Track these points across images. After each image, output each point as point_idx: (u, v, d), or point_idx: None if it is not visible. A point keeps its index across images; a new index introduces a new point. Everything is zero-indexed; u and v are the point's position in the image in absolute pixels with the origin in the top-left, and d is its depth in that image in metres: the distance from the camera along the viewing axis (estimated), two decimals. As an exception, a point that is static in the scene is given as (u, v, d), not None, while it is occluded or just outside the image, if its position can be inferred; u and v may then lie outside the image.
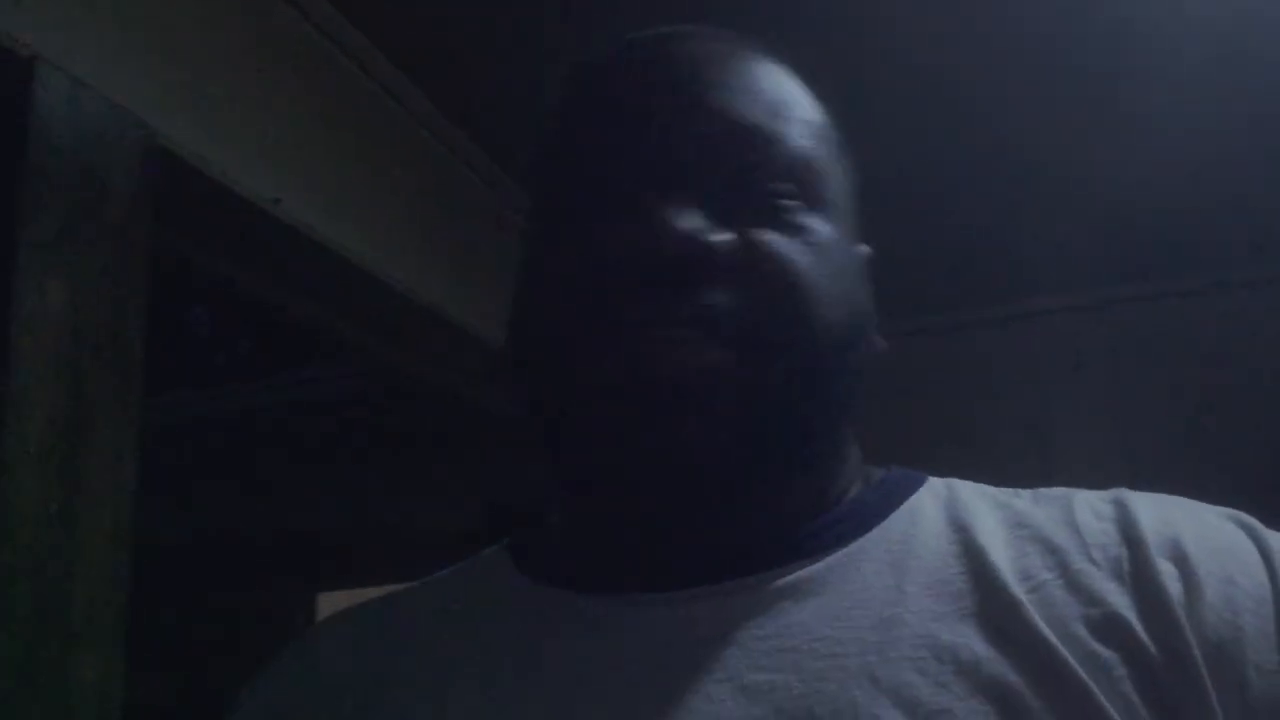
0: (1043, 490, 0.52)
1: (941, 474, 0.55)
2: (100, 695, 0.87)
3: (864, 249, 0.56)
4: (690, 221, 0.45)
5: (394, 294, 1.51)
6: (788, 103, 0.52)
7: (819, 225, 0.49)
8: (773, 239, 0.47)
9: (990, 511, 0.50)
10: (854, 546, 0.48)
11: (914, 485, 0.53)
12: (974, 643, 0.43)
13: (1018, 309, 2.31)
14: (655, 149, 0.48)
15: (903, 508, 0.51)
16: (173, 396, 2.08)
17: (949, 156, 1.79)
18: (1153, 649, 0.42)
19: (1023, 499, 0.51)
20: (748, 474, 0.47)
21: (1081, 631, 0.42)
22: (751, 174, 0.49)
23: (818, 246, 0.49)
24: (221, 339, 1.90)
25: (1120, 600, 0.43)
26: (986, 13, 1.45)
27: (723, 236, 0.46)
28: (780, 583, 0.47)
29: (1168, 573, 0.44)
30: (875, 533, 0.49)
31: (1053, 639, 0.42)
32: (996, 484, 0.54)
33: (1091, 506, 0.48)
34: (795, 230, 0.48)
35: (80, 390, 0.94)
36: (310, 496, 2.35)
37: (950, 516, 0.50)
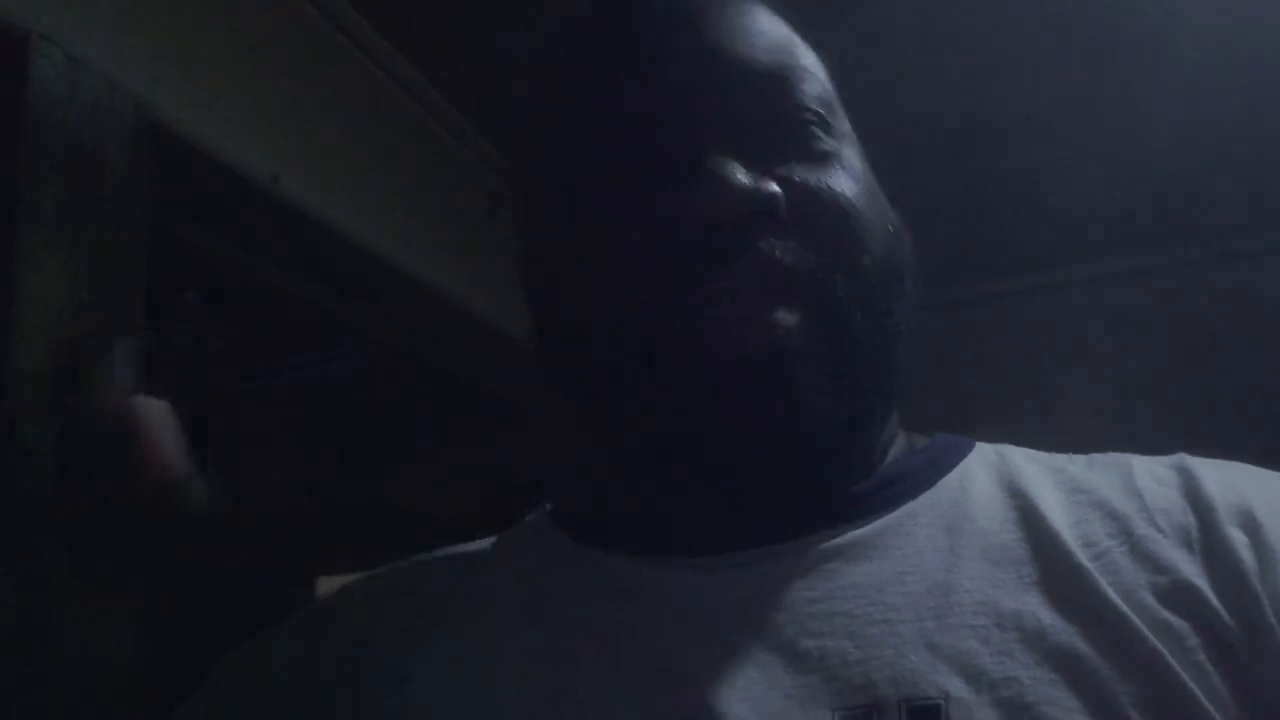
0: (1097, 455, 0.51)
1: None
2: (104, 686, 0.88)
3: None
4: (744, 177, 0.45)
5: (393, 272, 1.50)
6: (793, 40, 0.52)
7: (848, 153, 0.50)
8: (819, 178, 0.47)
9: (1045, 477, 0.49)
10: (903, 510, 0.47)
11: (963, 450, 0.52)
12: (1039, 610, 0.41)
13: (1017, 284, 2.31)
14: (686, 103, 0.47)
15: (953, 473, 0.49)
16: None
17: (946, 130, 1.79)
18: (1227, 618, 0.40)
19: (1077, 464, 0.50)
20: (831, 420, 0.45)
21: (1150, 600, 0.41)
22: (784, 113, 0.48)
23: (853, 175, 0.49)
24: (220, 322, 1.89)
25: (1190, 569, 0.42)
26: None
27: (774, 187, 0.45)
28: (828, 545, 0.46)
29: (1239, 541, 0.43)
30: (925, 497, 0.48)
31: (1122, 607, 0.41)
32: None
33: (1152, 472, 0.47)
34: (833, 164, 0.48)
35: (83, 371, 0.94)
36: (308, 478, 2.35)
37: (1004, 481, 0.48)
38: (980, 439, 0.54)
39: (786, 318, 0.44)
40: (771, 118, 0.48)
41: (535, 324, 0.52)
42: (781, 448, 0.45)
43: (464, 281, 1.63)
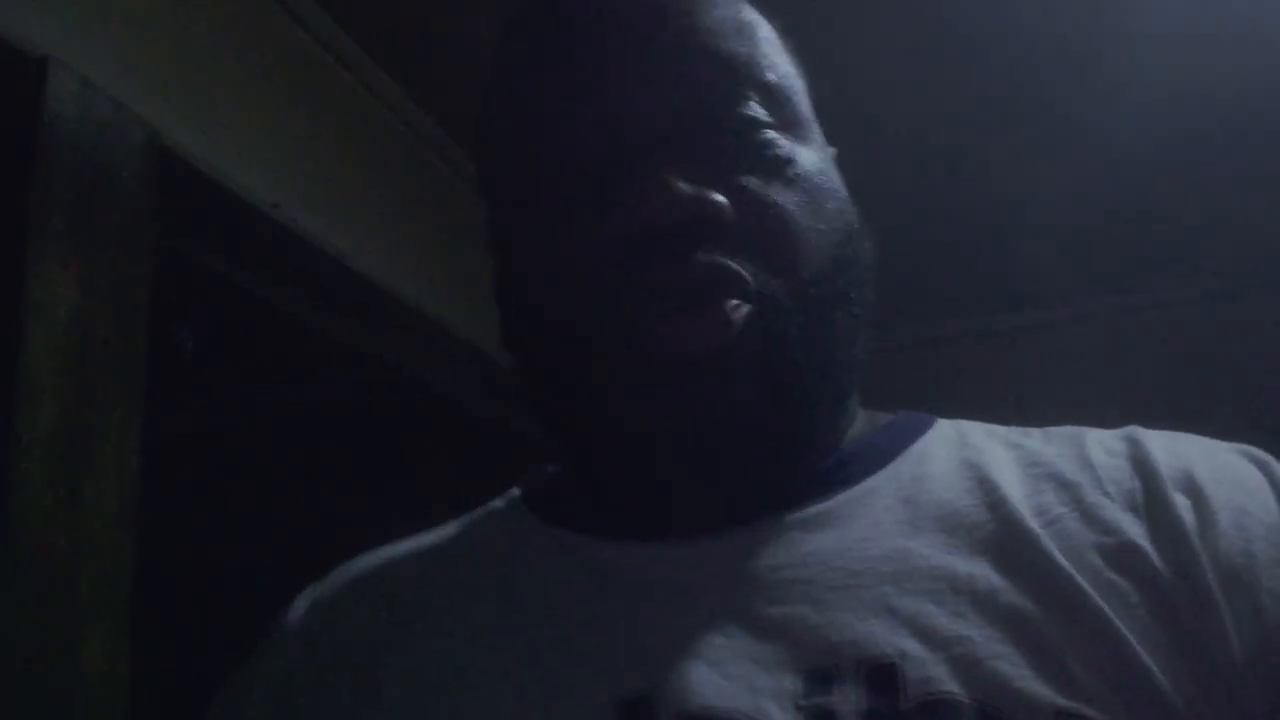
0: (1053, 429, 0.52)
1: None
2: (107, 677, 0.89)
3: (830, 150, 0.55)
4: (685, 185, 0.44)
5: (391, 299, 1.53)
6: (750, 22, 0.51)
7: (799, 150, 0.49)
8: (759, 183, 0.47)
9: (1003, 451, 0.50)
10: (864, 485, 0.49)
11: (923, 427, 0.53)
12: (990, 574, 0.43)
13: (1002, 323, 2.33)
14: (628, 108, 0.47)
15: (913, 448, 0.51)
16: (170, 405, 2.08)
17: (929, 169, 1.82)
18: (1168, 576, 0.42)
19: (1034, 438, 0.52)
20: (768, 425, 0.46)
21: (1097, 560, 0.43)
22: (728, 107, 0.48)
23: (803, 175, 0.49)
24: (220, 347, 1.91)
25: (1135, 530, 0.44)
26: (961, 25, 1.49)
27: (714, 195, 0.45)
28: (790, 518, 0.47)
29: (1181, 504, 0.44)
30: (885, 471, 0.49)
31: (1069, 568, 0.42)
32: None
33: (1103, 444, 0.49)
34: (781, 164, 0.48)
35: (88, 378, 0.96)
36: (304, 504, 2.35)
37: (962, 456, 0.50)
38: None
39: (738, 318, 0.44)
40: (719, 121, 0.47)
41: (501, 328, 0.54)
42: (720, 444, 0.46)
43: (461, 308, 1.66)
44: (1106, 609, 0.41)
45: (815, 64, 0.55)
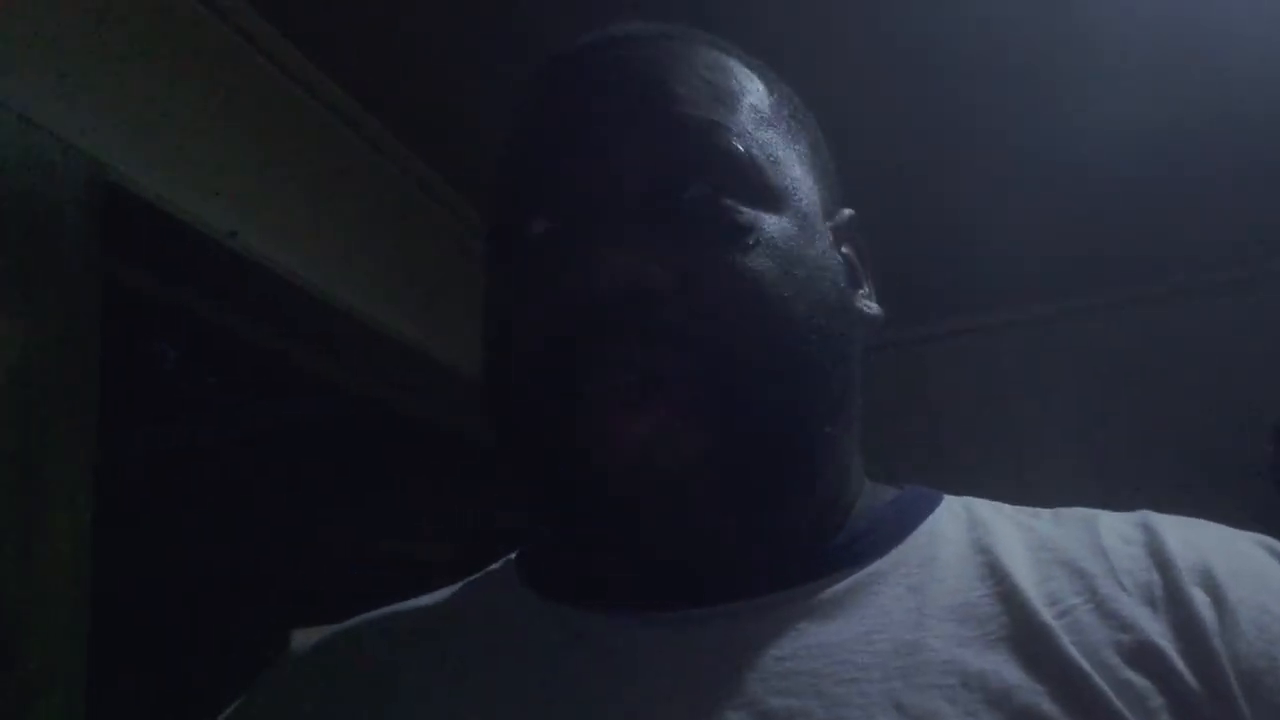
0: (1064, 511, 0.51)
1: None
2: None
3: (844, 213, 0.54)
4: (624, 257, 0.44)
5: (356, 323, 1.50)
6: (727, 92, 0.50)
7: (764, 218, 0.47)
8: (713, 250, 0.46)
9: (1012, 533, 0.48)
10: (872, 568, 0.47)
11: (931, 504, 0.51)
12: (1004, 670, 0.41)
13: (980, 322, 2.33)
14: (588, 164, 0.47)
15: (921, 528, 0.49)
16: (139, 431, 2.05)
17: (907, 175, 1.81)
18: (1189, 678, 0.40)
19: (1043, 520, 0.50)
20: (745, 506, 0.45)
21: (1114, 659, 0.41)
22: (688, 176, 0.47)
23: (765, 242, 0.46)
24: (188, 372, 1.88)
25: (1154, 627, 0.42)
26: (931, 35, 1.48)
27: (653, 266, 0.44)
28: (797, 604, 0.45)
29: (1200, 600, 0.42)
30: (893, 554, 0.48)
31: (1086, 666, 0.41)
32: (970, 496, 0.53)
33: (1117, 530, 0.47)
34: (739, 232, 0.46)
35: (33, 429, 0.93)
36: (281, 530, 2.32)
37: (971, 537, 0.48)
38: (950, 475, 0.53)
39: (676, 428, 0.43)
40: (675, 189, 0.47)
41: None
42: (706, 545, 0.45)
43: (428, 329, 1.63)
44: (1126, 711, 0.39)
45: (796, 86, 0.54)
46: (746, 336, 0.45)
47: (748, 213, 0.47)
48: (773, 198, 0.49)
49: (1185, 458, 2.00)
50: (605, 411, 0.43)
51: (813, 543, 0.48)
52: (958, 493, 0.54)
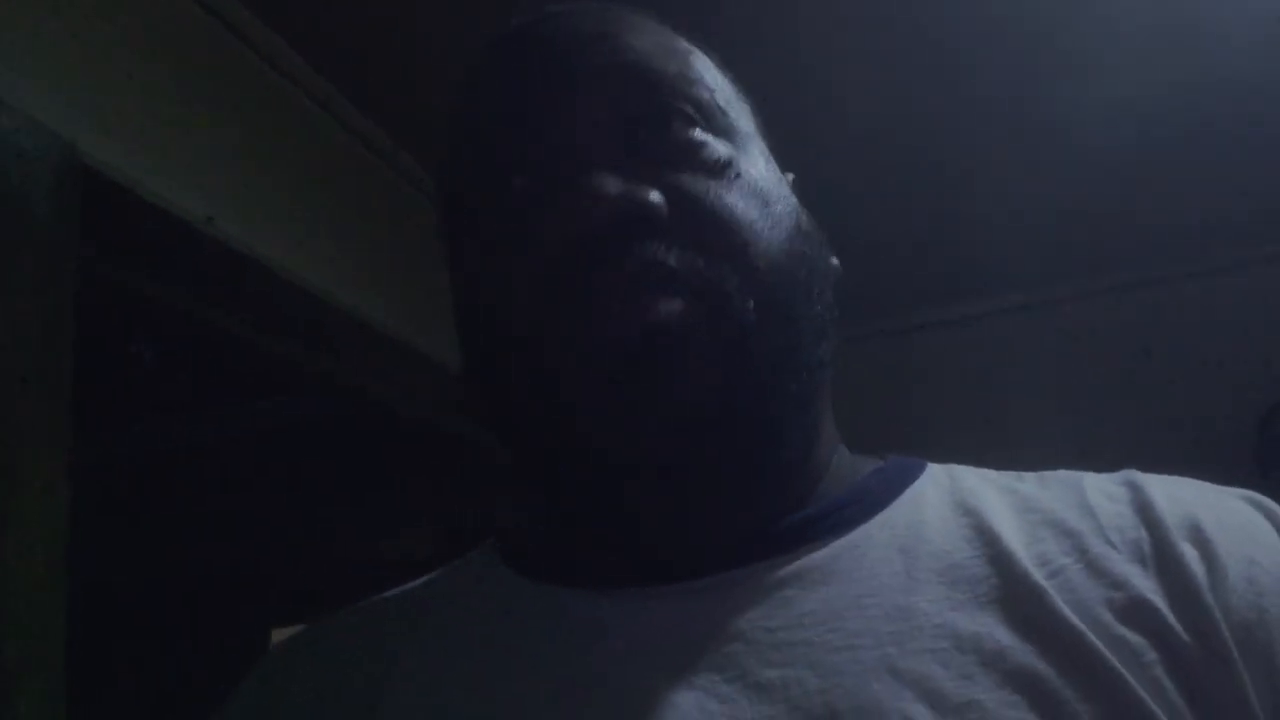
0: (1048, 473, 0.51)
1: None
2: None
3: (788, 175, 0.55)
4: (615, 184, 0.44)
5: (336, 312, 1.47)
6: (678, 52, 0.51)
7: (738, 156, 0.49)
8: (698, 181, 0.46)
9: (997, 496, 0.48)
10: (857, 533, 0.46)
11: (915, 472, 0.51)
12: (997, 631, 0.41)
13: (968, 309, 2.33)
14: (561, 119, 0.47)
15: (905, 494, 0.49)
16: (119, 430, 2.02)
17: (894, 162, 1.81)
18: (1182, 633, 0.40)
19: (1028, 482, 0.50)
20: (734, 423, 0.45)
21: (1107, 617, 0.41)
22: (662, 115, 0.48)
23: (744, 175, 0.48)
24: (169, 369, 1.84)
25: (1145, 584, 0.42)
26: (924, 23, 1.46)
27: (650, 191, 0.45)
28: (783, 571, 0.45)
29: (1190, 555, 0.43)
30: (879, 519, 0.47)
31: (1080, 625, 0.41)
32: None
33: (1103, 489, 0.47)
34: (719, 166, 0.47)
35: (6, 425, 0.90)
36: (262, 528, 2.29)
37: (956, 501, 0.48)
38: (940, 459, 0.53)
39: (667, 305, 0.43)
40: (654, 127, 0.47)
41: (462, 355, 0.53)
42: (685, 439, 0.44)
43: (409, 319, 1.61)
44: (1122, 668, 0.39)
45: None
46: (739, 260, 0.46)
47: (723, 148, 0.48)
48: (740, 139, 0.50)
49: (1174, 443, 2.01)
50: (611, 303, 0.43)
51: (793, 508, 0.48)
52: None
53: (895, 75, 1.59)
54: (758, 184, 0.48)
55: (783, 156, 0.55)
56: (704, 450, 0.44)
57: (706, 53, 0.53)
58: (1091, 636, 0.40)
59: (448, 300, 0.53)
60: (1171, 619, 0.41)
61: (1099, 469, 0.50)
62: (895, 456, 0.53)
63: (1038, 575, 0.43)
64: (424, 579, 0.56)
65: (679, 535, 0.47)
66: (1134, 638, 0.40)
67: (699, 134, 0.48)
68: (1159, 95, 1.65)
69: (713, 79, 0.51)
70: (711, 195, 0.46)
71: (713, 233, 0.45)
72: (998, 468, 0.53)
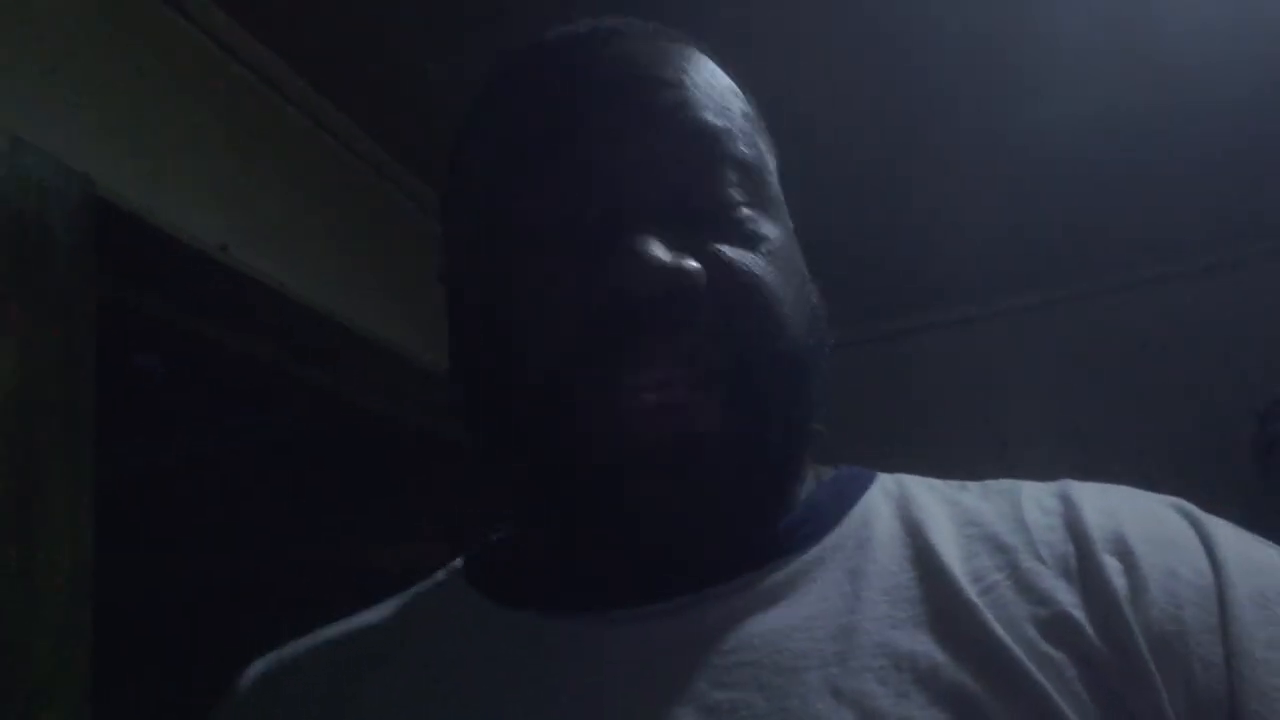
0: (991, 483, 0.52)
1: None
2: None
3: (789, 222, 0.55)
4: (662, 253, 0.44)
5: (347, 333, 1.51)
6: (728, 98, 0.51)
7: (771, 229, 0.49)
8: (739, 256, 0.47)
9: (941, 509, 0.50)
10: (812, 553, 0.48)
11: (865, 483, 0.52)
12: (931, 649, 0.42)
13: (968, 311, 2.35)
14: (608, 168, 0.47)
15: (856, 509, 0.50)
16: (136, 447, 2.05)
17: (891, 170, 1.83)
18: (1101, 647, 0.41)
19: (971, 493, 0.51)
20: (748, 498, 0.46)
21: (1032, 633, 0.42)
22: (707, 182, 0.48)
23: (775, 253, 0.48)
24: (176, 385, 1.88)
25: (1068, 599, 0.43)
26: (886, 31, 1.49)
27: (691, 263, 0.45)
28: (744, 594, 0.46)
29: (1113, 568, 0.43)
30: (831, 537, 0.49)
31: (1007, 641, 0.42)
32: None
33: (1038, 502, 0.48)
34: (754, 240, 0.48)
35: (32, 446, 0.94)
36: (259, 540, 2.31)
37: (902, 515, 0.49)
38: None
39: (706, 408, 0.44)
40: (698, 194, 0.47)
41: (458, 380, 0.52)
42: (687, 527, 0.45)
43: (418, 338, 1.64)
44: (1045, 684, 0.40)
45: (742, 74, 0.55)
46: (763, 338, 0.47)
47: (760, 221, 0.49)
48: (771, 207, 0.51)
49: (1170, 443, 2.02)
50: (642, 394, 0.44)
51: (761, 528, 0.49)
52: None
53: (884, 82, 1.61)
54: (783, 257, 0.49)
55: (783, 164, 0.55)
56: (699, 527, 0.46)
57: (739, 83, 0.53)
58: (1018, 652, 0.41)
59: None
60: (1091, 633, 0.42)
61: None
62: (845, 466, 0.54)
63: (971, 592, 0.44)
64: (384, 606, 0.57)
65: (645, 562, 0.47)
66: (1057, 654, 0.41)
67: (740, 208, 0.48)
68: (1147, 96, 1.67)
69: (754, 129, 0.51)
70: (748, 271, 0.47)
71: (746, 311, 0.46)
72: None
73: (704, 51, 0.53)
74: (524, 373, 0.47)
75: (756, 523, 0.49)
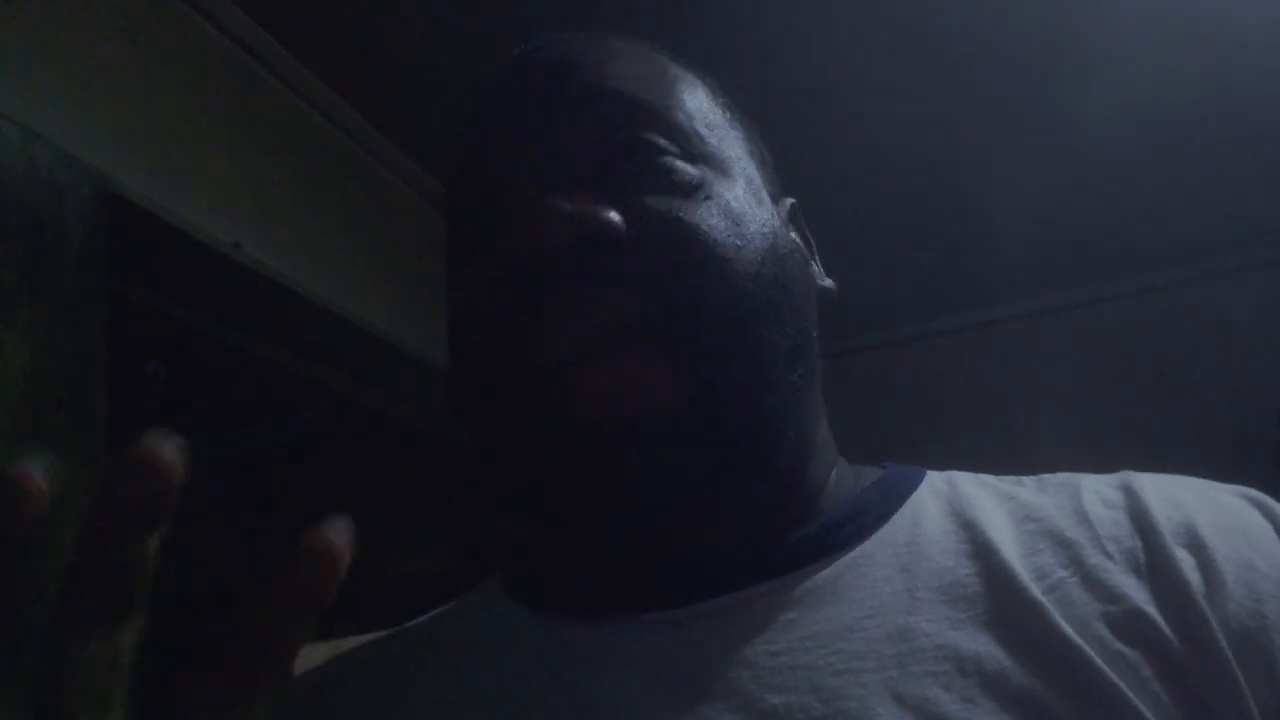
0: (1047, 477, 0.50)
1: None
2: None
3: (788, 201, 0.54)
4: (568, 205, 0.43)
5: (360, 332, 1.50)
6: (665, 74, 0.51)
7: (712, 179, 0.47)
8: (663, 201, 0.45)
9: (996, 505, 0.48)
10: (858, 551, 0.46)
11: (914, 482, 0.50)
12: (997, 652, 0.40)
13: (984, 315, 2.34)
14: (534, 142, 0.47)
15: (905, 507, 0.48)
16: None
17: (908, 171, 1.82)
18: (1177, 644, 0.40)
19: (1027, 488, 0.49)
20: (714, 468, 0.44)
21: (1104, 631, 0.40)
22: (636, 142, 0.47)
23: (716, 197, 0.46)
24: (191, 387, 1.87)
25: (1140, 595, 0.41)
26: (942, 29, 1.48)
27: (608, 210, 0.44)
28: (786, 594, 0.44)
29: (1185, 562, 0.42)
30: (879, 535, 0.47)
31: (1078, 641, 0.40)
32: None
33: (1100, 495, 0.46)
34: (689, 188, 0.46)
35: (43, 442, 0.92)
36: (275, 546, 2.31)
37: (955, 512, 0.48)
38: (954, 463, 0.52)
39: (655, 377, 0.42)
40: (626, 149, 0.47)
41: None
42: (664, 509, 0.44)
43: (431, 338, 1.63)
44: (1120, 683, 0.39)
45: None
46: (701, 281, 0.44)
47: (694, 170, 0.47)
48: (719, 165, 0.49)
49: (1187, 446, 2.00)
50: (572, 363, 0.42)
51: (793, 527, 0.47)
52: None
53: (907, 87, 1.60)
54: (729, 205, 0.47)
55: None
56: (684, 498, 0.44)
57: (702, 78, 0.53)
58: (1089, 652, 0.40)
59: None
60: (1166, 630, 0.40)
61: (1117, 471, 0.49)
62: (894, 465, 0.53)
63: (1035, 590, 0.42)
64: (417, 622, 0.56)
65: (680, 562, 0.46)
66: (1131, 652, 0.40)
67: (668, 160, 0.47)
68: (1174, 97, 1.65)
69: (695, 105, 0.50)
70: (674, 214, 0.45)
71: (673, 249, 0.44)
72: (1014, 472, 0.52)
73: (657, 48, 0.53)
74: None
75: (776, 505, 0.47)
